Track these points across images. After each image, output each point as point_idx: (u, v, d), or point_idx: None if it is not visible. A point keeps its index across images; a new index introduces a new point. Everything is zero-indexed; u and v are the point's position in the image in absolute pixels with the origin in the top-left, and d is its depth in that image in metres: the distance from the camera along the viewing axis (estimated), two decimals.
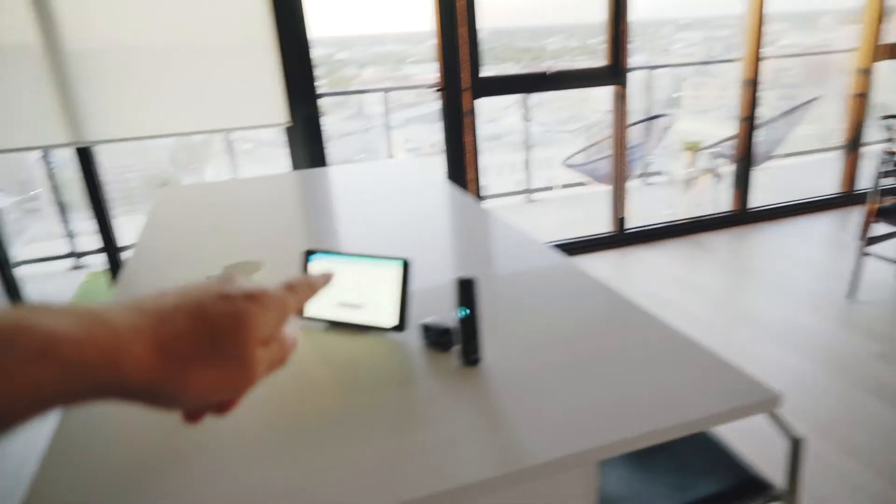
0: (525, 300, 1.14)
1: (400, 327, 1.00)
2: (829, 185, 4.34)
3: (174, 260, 1.44)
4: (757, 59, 3.64)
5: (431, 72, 3.13)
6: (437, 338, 0.95)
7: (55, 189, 3.98)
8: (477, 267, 1.31)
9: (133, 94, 2.59)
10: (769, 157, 4.32)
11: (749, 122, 3.82)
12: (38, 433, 2.14)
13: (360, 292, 1.04)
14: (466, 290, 0.87)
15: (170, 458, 0.76)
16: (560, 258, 1.34)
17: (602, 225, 3.80)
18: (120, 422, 0.84)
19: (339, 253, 1.06)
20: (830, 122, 6.25)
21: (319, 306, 1.06)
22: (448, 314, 1.08)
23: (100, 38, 2.50)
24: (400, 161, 2.28)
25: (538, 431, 0.77)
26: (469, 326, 0.89)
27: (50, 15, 2.42)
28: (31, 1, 2.38)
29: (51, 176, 3.91)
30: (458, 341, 0.97)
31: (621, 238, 3.74)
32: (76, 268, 4.13)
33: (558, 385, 0.86)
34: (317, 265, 1.07)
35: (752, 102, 3.76)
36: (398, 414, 0.81)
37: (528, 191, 5.28)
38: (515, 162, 6.70)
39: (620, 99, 3.42)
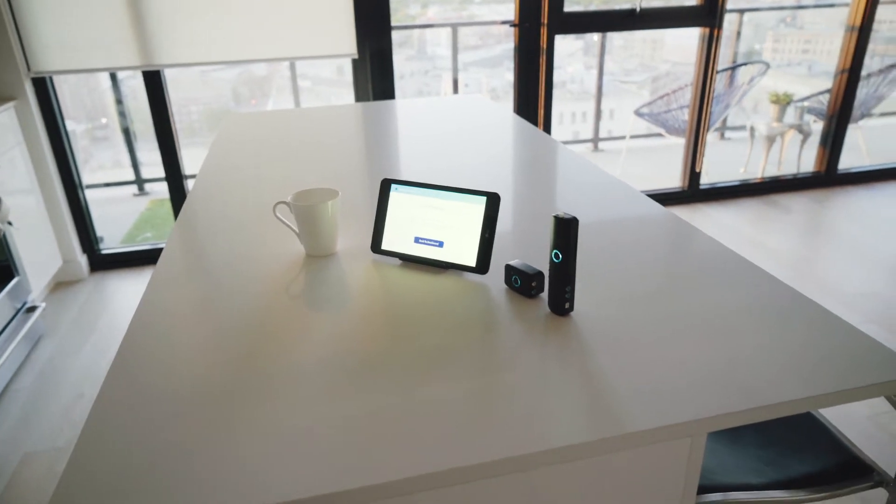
0: (618, 248, 1.03)
1: (482, 268, 0.92)
2: None
3: (239, 188, 1.38)
4: (868, 2, 3.28)
5: (497, 13, 2.95)
6: (524, 282, 0.86)
7: (123, 117, 4.02)
8: (562, 210, 1.21)
9: (204, 19, 2.52)
10: (864, 116, 3.96)
11: (849, 75, 3.48)
12: (92, 361, 2.18)
13: (439, 227, 0.95)
14: (565, 231, 0.78)
15: (239, 389, 0.71)
16: (656, 206, 1.22)
17: (673, 179, 3.59)
18: (179, 352, 0.79)
19: (419, 184, 0.98)
20: None
21: (394, 240, 0.99)
22: (530, 258, 0.99)
23: None
24: (471, 98, 2.15)
25: (638, 393, 0.68)
26: (563, 271, 0.80)
27: None
28: None
29: (119, 105, 3.94)
30: (543, 287, 0.88)
31: (693, 194, 3.53)
32: (140, 194, 4.22)
33: (658, 343, 0.77)
34: (397, 196, 0.99)
35: (855, 52, 3.42)
36: (480, 361, 0.74)
37: (595, 139, 5.05)
38: (577, 111, 6.42)
39: (712, 42, 3.16)
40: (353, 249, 1.05)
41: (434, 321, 0.82)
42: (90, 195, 2.93)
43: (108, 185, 4.19)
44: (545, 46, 2.91)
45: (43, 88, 2.60)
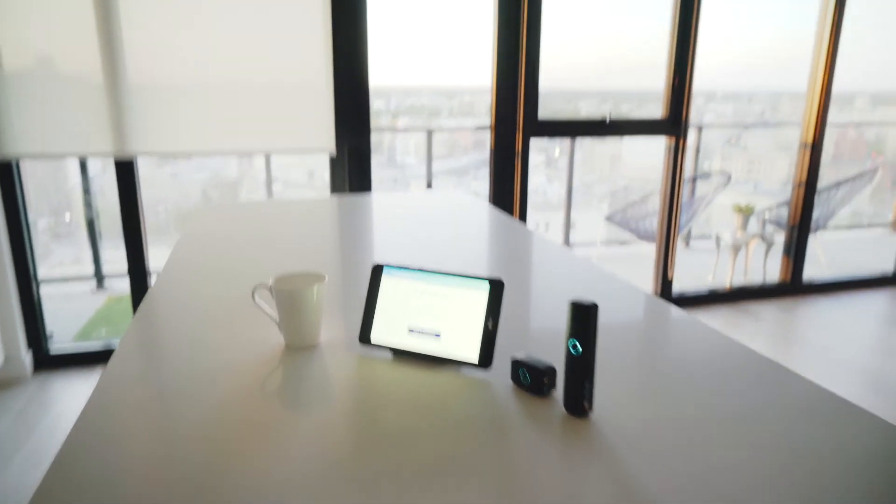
0: (629, 346, 0.96)
1: (485, 362, 0.83)
2: (884, 262, 4.13)
3: (208, 278, 1.29)
4: (819, 121, 3.51)
5: (465, 124, 3.05)
6: (534, 378, 0.78)
7: (89, 208, 3.92)
8: (561, 307, 1.14)
9: (181, 109, 2.51)
10: (820, 228, 4.13)
11: (806, 188, 3.65)
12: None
13: (436, 317, 0.87)
14: (584, 319, 0.70)
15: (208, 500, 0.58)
16: (660, 303, 1.16)
17: (644, 287, 3.61)
18: (124, 466, 0.67)
19: (414, 269, 0.90)
20: (885, 196, 6.07)
21: (385, 331, 0.90)
22: (537, 352, 0.91)
23: (158, 59, 2.45)
24: (451, 193, 2.14)
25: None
26: (583, 365, 0.71)
27: (113, 35, 2.38)
28: (98, 24, 2.35)
29: (87, 195, 3.86)
30: (555, 384, 0.79)
31: (666, 301, 3.54)
32: (99, 290, 4.02)
33: (688, 446, 0.68)
34: (389, 282, 0.91)
35: (810, 167, 3.60)
36: (489, 475, 0.64)
37: (566, 244, 5.11)
38: (540, 221, 6.61)
39: (678, 151, 3.29)
40: (337, 341, 0.95)
41: (432, 426, 0.72)
42: (46, 290, 2.77)
43: (65, 279, 3.99)
44: (520, 149, 2.99)
45: (7, 174, 2.51)
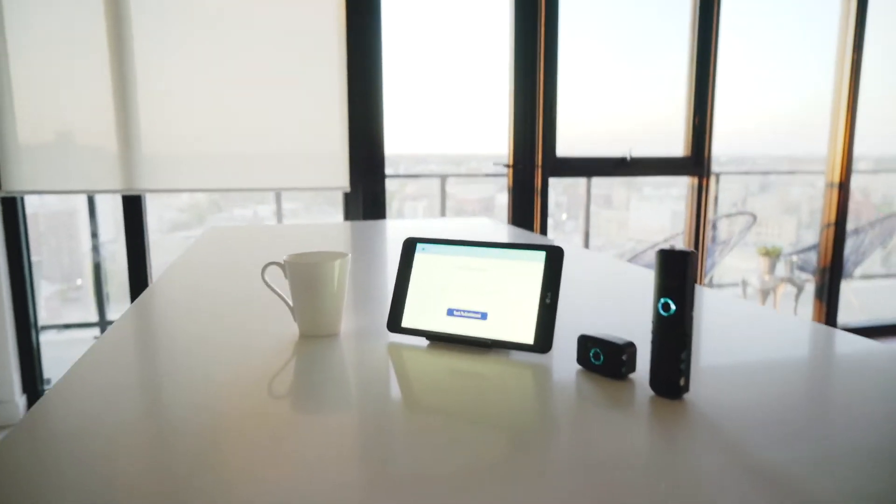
0: (720, 333, 0.81)
1: (543, 345, 0.69)
2: None
3: (214, 279, 1.15)
4: (847, 159, 3.41)
5: (473, 192, 3.00)
6: (610, 357, 0.63)
7: (96, 252, 3.83)
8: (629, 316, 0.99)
9: (192, 145, 2.45)
10: (852, 272, 3.96)
11: (836, 229, 3.52)
12: None
13: (481, 294, 0.73)
14: (678, 270, 0.56)
15: None
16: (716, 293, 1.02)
17: None
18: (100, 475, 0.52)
19: (454, 242, 0.77)
20: None
21: (419, 315, 0.75)
22: (604, 331, 0.76)
23: (169, 86, 2.41)
24: (478, 220, 2.01)
25: None
26: (676, 330, 0.57)
27: (126, 60, 2.35)
28: (111, 47, 2.33)
29: (94, 238, 3.78)
30: (635, 363, 0.64)
31: None
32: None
33: (814, 434, 0.52)
34: (424, 259, 0.78)
35: (838, 207, 3.48)
36: (574, 474, 0.48)
37: None
38: None
39: (702, 191, 3.19)
40: (360, 330, 0.81)
41: (488, 422, 0.57)
42: (47, 336, 2.64)
43: (67, 326, 3.87)
44: (539, 186, 2.89)
45: (12, 211, 2.43)
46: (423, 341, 0.76)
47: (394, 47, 2.66)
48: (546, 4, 2.77)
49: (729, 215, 4.01)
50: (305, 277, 0.75)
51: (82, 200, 3.70)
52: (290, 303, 0.79)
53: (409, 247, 0.79)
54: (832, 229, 3.53)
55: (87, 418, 0.55)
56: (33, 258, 2.56)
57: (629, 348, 0.62)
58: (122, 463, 0.48)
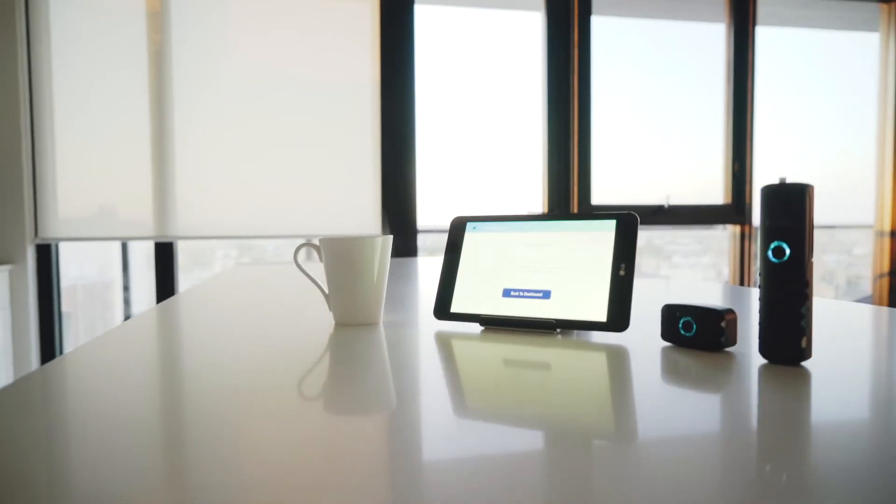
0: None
1: (619, 322, 0.59)
2: None
3: (241, 289, 1.08)
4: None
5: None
6: (705, 326, 0.53)
7: (127, 306, 3.81)
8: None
9: (224, 193, 2.45)
10: None
11: (890, 278, 3.33)
12: None
13: (543, 271, 0.64)
14: (794, 207, 0.47)
15: None
16: None
17: None
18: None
19: (510, 218, 0.69)
20: None
21: (471, 299, 0.66)
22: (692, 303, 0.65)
23: (206, 137, 2.44)
24: None
25: None
26: (793, 278, 0.47)
27: (165, 122, 2.40)
28: (152, 102, 2.38)
29: (126, 292, 3.77)
30: (736, 333, 0.54)
31: None
32: None
33: None
34: (474, 239, 0.70)
35: (891, 255, 3.31)
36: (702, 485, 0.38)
37: None
38: None
39: (744, 239, 3.06)
40: (403, 319, 0.72)
41: (566, 427, 0.46)
42: None
43: None
44: None
45: (46, 257, 2.42)
46: (476, 327, 0.66)
47: (426, 105, 2.68)
48: (579, 53, 2.78)
49: None
50: (343, 257, 0.67)
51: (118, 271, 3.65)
52: (325, 289, 0.70)
53: (459, 227, 0.71)
54: (886, 279, 3.35)
55: (98, 388, 0.47)
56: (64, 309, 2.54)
57: (729, 314, 0.52)
58: (134, 436, 0.39)
